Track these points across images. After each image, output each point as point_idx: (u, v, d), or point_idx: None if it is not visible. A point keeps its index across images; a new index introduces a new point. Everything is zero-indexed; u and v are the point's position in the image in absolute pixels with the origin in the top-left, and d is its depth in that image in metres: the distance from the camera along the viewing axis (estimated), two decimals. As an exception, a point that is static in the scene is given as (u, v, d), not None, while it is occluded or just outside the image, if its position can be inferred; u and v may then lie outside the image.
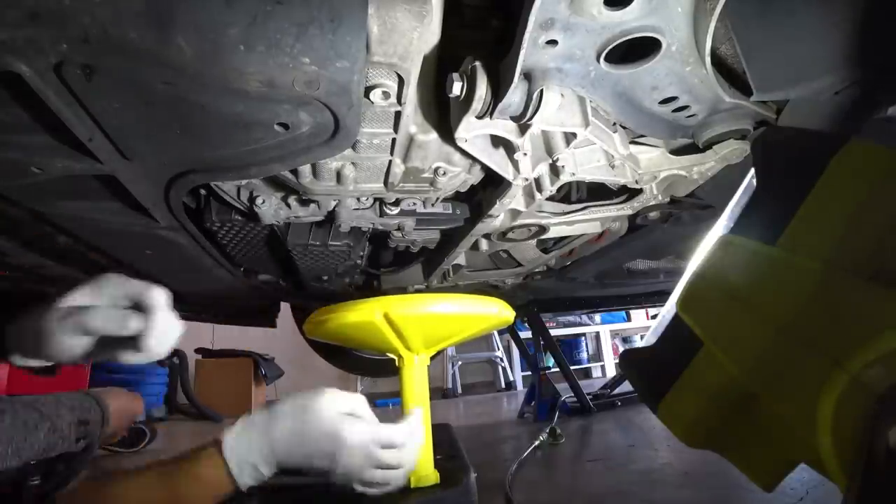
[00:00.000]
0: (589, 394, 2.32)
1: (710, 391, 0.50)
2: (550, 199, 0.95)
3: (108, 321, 0.55)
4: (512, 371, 4.32)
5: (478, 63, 0.58)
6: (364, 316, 0.73)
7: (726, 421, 0.50)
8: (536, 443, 1.62)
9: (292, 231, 1.02)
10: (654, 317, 4.55)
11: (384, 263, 1.39)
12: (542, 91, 0.60)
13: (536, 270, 1.47)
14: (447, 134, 0.69)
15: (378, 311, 0.73)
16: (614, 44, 0.55)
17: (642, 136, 0.82)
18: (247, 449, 0.59)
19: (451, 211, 0.98)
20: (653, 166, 0.85)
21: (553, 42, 0.54)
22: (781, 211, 0.46)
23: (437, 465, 0.83)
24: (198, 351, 3.52)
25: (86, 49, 0.45)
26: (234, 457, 0.59)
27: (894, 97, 0.68)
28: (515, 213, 0.94)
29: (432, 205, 0.95)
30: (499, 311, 0.83)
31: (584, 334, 4.77)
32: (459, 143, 0.69)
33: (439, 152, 0.76)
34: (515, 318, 0.96)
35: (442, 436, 1.23)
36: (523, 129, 0.70)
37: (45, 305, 0.57)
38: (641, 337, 4.80)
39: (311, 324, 0.79)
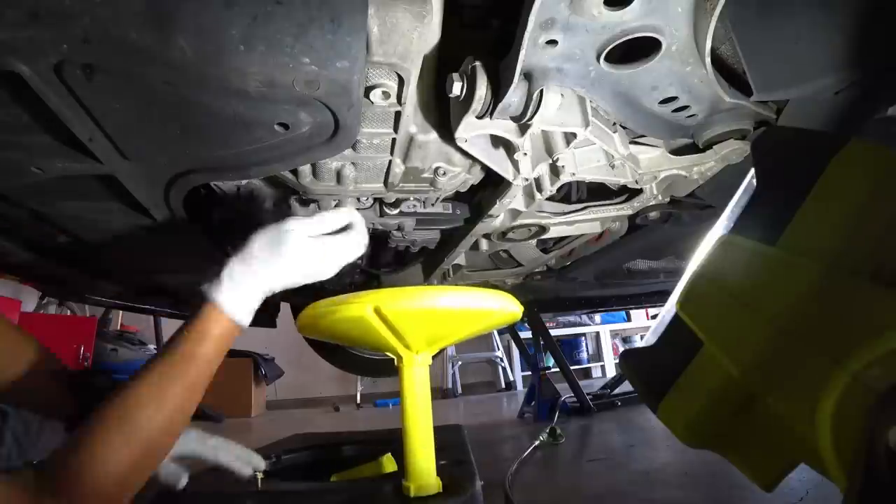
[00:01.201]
0: (589, 394, 2.33)
1: (710, 391, 0.50)
2: (550, 199, 0.94)
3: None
4: (512, 371, 4.32)
5: (478, 63, 0.58)
6: (354, 311, 0.68)
7: (726, 421, 0.50)
8: (536, 443, 1.62)
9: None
10: (654, 317, 4.55)
11: (384, 263, 1.39)
12: (542, 91, 0.60)
13: (536, 270, 1.47)
14: (447, 134, 0.69)
15: (368, 305, 0.68)
16: (614, 44, 0.55)
17: (642, 136, 0.82)
18: (240, 294, 0.61)
19: (451, 211, 0.98)
20: (653, 166, 0.85)
21: (553, 42, 0.54)
22: (781, 211, 0.46)
23: (441, 471, 0.78)
24: (198, 351, 3.52)
25: (86, 49, 0.45)
26: (230, 304, 0.60)
27: (894, 97, 0.68)
28: (515, 213, 0.94)
29: (432, 205, 0.95)
30: (503, 306, 0.77)
31: (584, 334, 4.76)
32: (459, 143, 0.69)
33: (439, 152, 0.76)
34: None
35: (451, 438, 1.18)
36: (523, 129, 0.70)
37: None
38: (641, 337, 4.79)
39: (303, 321, 0.75)
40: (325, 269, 0.67)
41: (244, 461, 0.84)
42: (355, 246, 0.68)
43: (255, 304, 0.63)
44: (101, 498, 0.51)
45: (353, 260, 0.69)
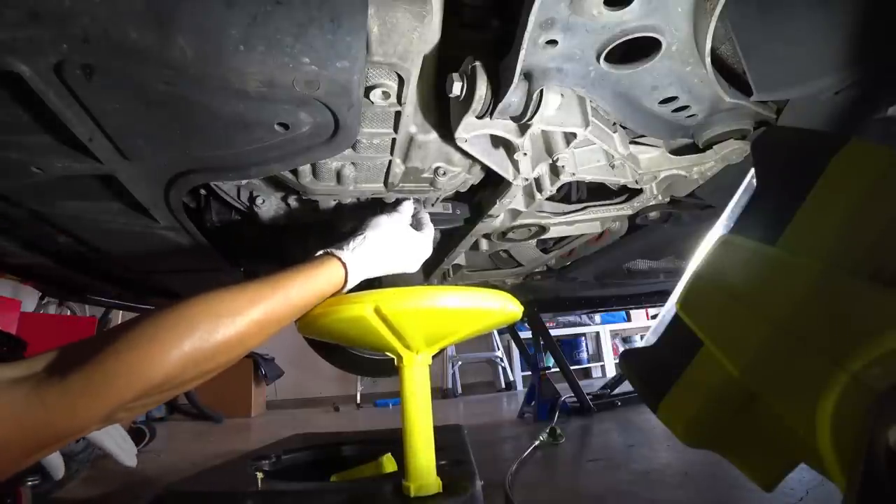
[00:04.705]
0: (589, 394, 2.33)
1: (710, 391, 0.50)
2: (550, 199, 0.94)
3: None
4: (512, 371, 4.32)
5: (478, 63, 0.58)
6: (354, 311, 0.68)
7: (726, 421, 0.50)
8: (536, 443, 1.62)
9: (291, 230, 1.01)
10: (654, 317, 4.55)
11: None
12: (542, 91, 0.60)
13: (536, 270, 1.47)
14: (447, 134, 0.69)
15: (368, 305, 0.68)
16: (614, 44, 0.55)
17: (642, 136, 0.82)
18: (360, 262, 0.70)
19: (451, 211, 0.98)
20: (653, 166, 0.85)
21: (553, 42, 0.54)
22: (781, 211, 0.46)
23: (441, 471, 0.78)
24: (198, 351, 3.51)
25: (86, 49, 0.45)
26: (350, 265, 0.68)
27: (894, 97, 0.68)
28: (515, 213, 0.94)
29: (432, 205, 0.95)
30: (503, 306, 0.77)
31: (584, 334, 4.76)
32: (459, 143, 0.69)
33: (439, 152, 0.76)
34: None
35: (451, 438, 1.19)
36: (523, 129, 0.70)
37: None
38: (641, 337, 4.79)
39: (303, 320, 0.74)
40: (413, 263, 0.79)
41: (126, 452, 0.95)
42: (430, 243, 0.82)
43: (360, 277, 0.70)
44: (123, 398, 0.45)
45: (428, 256, 0.81)
